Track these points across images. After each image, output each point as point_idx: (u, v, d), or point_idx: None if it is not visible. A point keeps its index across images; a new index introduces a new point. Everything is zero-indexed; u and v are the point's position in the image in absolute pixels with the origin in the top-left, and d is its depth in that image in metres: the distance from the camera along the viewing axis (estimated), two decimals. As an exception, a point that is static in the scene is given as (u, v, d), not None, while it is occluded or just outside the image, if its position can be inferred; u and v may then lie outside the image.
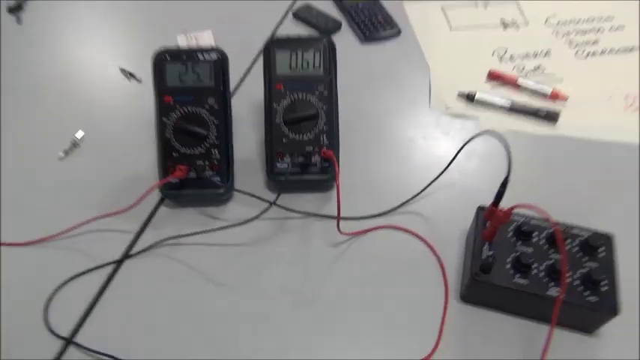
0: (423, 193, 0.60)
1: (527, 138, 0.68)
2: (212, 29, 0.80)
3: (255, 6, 0.87)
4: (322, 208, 0.59)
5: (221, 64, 0.58)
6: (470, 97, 0.71)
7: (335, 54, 0.60)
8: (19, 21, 0.84)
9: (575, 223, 0.52)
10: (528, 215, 0.52)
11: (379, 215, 0.59)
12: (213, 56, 0.58)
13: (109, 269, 0.55)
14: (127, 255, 0.56)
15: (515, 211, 0.51)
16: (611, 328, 0.49)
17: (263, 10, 0.86)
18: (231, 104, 0.60)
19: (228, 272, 0.54)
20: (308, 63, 0.59)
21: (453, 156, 0.58)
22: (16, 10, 0.86)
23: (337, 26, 0.82)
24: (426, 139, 0.67)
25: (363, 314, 0.51)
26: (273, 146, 0.59)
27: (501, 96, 0.71)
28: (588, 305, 0.46)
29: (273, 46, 0.60)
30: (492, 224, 0.49)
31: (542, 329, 0.49)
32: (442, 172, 0.59)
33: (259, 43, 0.78)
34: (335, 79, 0.60)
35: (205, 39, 0.78)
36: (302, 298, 0.52)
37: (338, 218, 0.55)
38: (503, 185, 0.48)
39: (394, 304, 0.52)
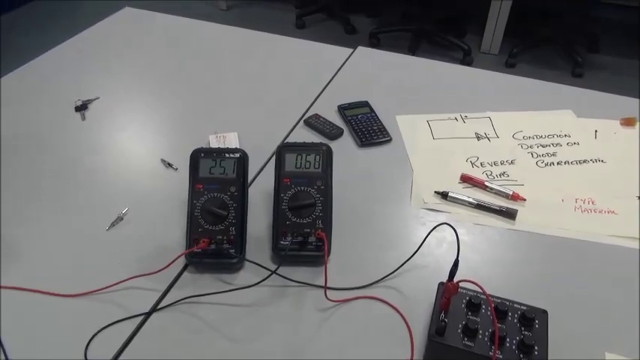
0: (399, 270, 0.73)
1: (490, 230, 0.81)
2: (238, 131, 0.99)
3: (274, 113, 1.06)
4: (315, 279, 0.72)
5: (242, 161, 0.75)
6: (444, 195, 0.86)
7: (331, 157, 0.76)
8: (83, 117, 1.04)
9: (520, 299, 0.64)
10: (480, 291, 0.65)
11: (362, 287, 0.72)
12: (237, 155, 0.75)
13: (139, 319, 0.67)
14: (154, 309, 0.69)
15: (469, 286, 0.64)
16: (545, 389, 0.59)
17: (280, 117, 1.05)
18: (248, 192, 0.76)
19: (236, 327, 0.67)
20: (310, 163, 0.76)
21: (425, 241, 0.72)
22: (81, 108, 1.06)
23: (340, 133, 1.00)
24: (406, 227, 0.81)
25: (342, 367, 0.63)
26: (278, 227, 0.74)
27: (470, 195, 0.86)
28: (522, 366, 0.57)
29: (283, 149, 0.76)
30: (445, 295, 0.61)
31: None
32: (414, 254, 0.73)
33: (274, 145, 0.96)
34: (330, 177, 0.76)
35: (232, 139, 0.97)
36: (293, 352, 0.64)
37: (325, 288, 0.68)
38: (455, 264, 0.61)
39: (368, 361, 0.63)
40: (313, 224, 0.73)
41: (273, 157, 0.85)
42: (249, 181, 0.78)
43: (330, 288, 0.70)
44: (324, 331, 0.67)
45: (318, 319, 0.68)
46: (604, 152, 0.97)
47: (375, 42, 2.88)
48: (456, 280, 0.62)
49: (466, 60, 2.70)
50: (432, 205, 0.85)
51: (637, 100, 1.12)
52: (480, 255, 0.77)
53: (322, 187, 0.75)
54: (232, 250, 0.72)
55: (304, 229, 0.73)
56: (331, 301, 0.69)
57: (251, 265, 0.73)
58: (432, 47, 2.91)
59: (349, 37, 3.04)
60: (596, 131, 1.02)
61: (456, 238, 0.62)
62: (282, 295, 0.71)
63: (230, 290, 0.70)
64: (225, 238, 0.72)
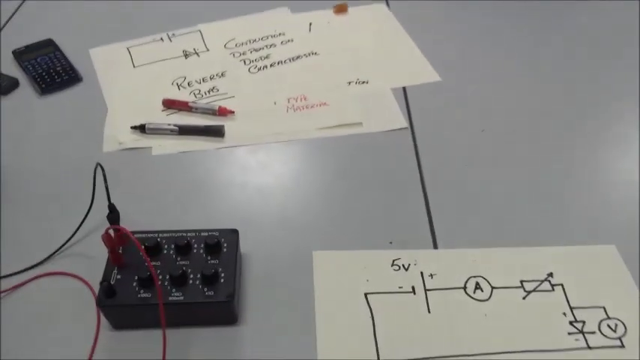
0: (82, 231, 0.61)
1: (198, 155, 0.72)
2: None
3: None
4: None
5: None
6: (142, 129, 0.74)
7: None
8: None
9: (217, 225, 0.57)
10: (162, 230, 0.56)
11: (37, 265, 0.59)
12: None
13: None
14: None
15: (147, 228, 0.55)
16: (250, 316, 0.54)
17: None
18: None
19: None
20: None
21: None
22: None
23: (13, 84, 0.81)
24: (96, 179, 0.68)
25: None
26: None
27: (174, 122, 0.75)
28: (207, 299, 0.50)
29: None
30: (110, 249, 0.51)
31: (192, 332, 0.53)
32: (88, 214, 0.61)
33: None
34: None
35: None
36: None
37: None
38: (111, 210, 0.51)
39: (55, 350, 0.52)
40: (-53, 209, 0.56)
41: None
42: None
43: (-12, 281, 0.56)
44: (-9, 333, 0.53)
45: (-21, 324, 0.54)
46: (317, 44, 0.93)
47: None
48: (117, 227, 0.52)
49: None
50: (129, 143, 0.73)
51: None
52: (181, 186, 0.68)
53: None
54: None
55: None
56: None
57: None
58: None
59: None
60: (310, 24, 0.98)
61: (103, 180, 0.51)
62: None
63: None
64: None
